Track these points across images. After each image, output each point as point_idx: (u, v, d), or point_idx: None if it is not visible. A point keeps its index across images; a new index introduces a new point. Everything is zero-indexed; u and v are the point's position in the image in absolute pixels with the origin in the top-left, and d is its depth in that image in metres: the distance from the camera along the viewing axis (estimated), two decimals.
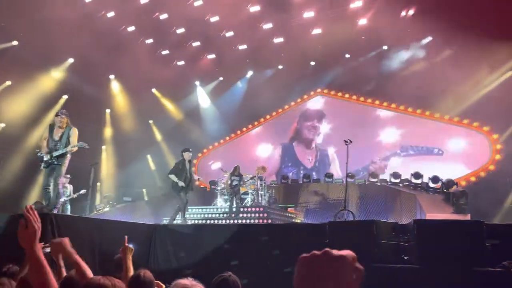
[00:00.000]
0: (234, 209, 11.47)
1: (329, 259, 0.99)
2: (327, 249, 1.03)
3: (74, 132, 7.13)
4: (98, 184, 17.58)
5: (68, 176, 11.64)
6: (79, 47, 14.90)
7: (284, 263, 6.00)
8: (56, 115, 7.25)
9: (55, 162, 6.95)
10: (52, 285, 1.95)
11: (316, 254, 1.00)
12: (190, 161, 10.11)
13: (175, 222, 9.70)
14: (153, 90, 19.39)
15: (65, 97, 16.86)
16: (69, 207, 11.46)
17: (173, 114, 19.62)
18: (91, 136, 13.40)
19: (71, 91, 16.57)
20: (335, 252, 1.00)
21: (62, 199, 11.22)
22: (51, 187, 6.92)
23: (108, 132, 18.74)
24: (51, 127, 7.22)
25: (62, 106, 16.45)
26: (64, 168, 7.07)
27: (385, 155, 16.74)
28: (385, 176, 15.02)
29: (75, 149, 7.07)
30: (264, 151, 19.30)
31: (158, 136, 19.55)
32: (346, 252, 1.01)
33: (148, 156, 19.27)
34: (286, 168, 18.68)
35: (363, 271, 1.01)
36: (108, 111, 18.89)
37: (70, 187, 11.73)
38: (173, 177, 9.82)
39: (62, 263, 3.44)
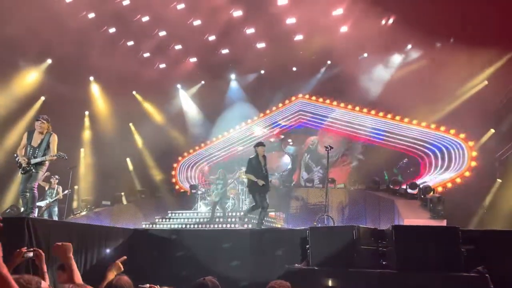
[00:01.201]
0: (220, 213, 11.41)
1: None
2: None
3: (54, 139, 7.00)
4: (76, 187, 17.27)
5: (57, 177, 11.36)
6: (58, 48, 14.65)
7: (265, 268, 6.02)
8: (37, 119, 7.07)
9: (33, 170, 6.84)
10: None
11: None
12: (264, 156, 9.03)
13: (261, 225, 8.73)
14: (134, 92, 19.21)
15: (42, 98, 16.55)
16: (56, 209, 11.12)
17: (153, 117, 19.45)
18: (69, 138, 13.19)
19: (49, 92, 16.27)
20: None
21: (45, 202, 10.94)
22: (28, 193, 6.79)
23: (87, 134, 18.45)
24: (30, 134, 7.07)
25: (40, 107, 16.14)
26: (41, 173, 6.94)
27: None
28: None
29: (54, 158, 6.94)
30: (243, 155, 19.28)
31: (138, 139, 19.34)
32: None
33: (128, 160, 19.04)
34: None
35: None
36: (87, 113, 18.61)
37: (58, 188, 11.36)
38: (251, 176, 8.72)
39: (45, 268, 3.39)
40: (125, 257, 3.63)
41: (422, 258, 4.98)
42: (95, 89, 18.38)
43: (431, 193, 13.19)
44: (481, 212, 12.90)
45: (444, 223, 10.49)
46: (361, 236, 5.28)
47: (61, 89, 15.74)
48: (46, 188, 11.26)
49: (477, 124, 14.39)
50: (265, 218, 12.92)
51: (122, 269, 3.49)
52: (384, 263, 5.41)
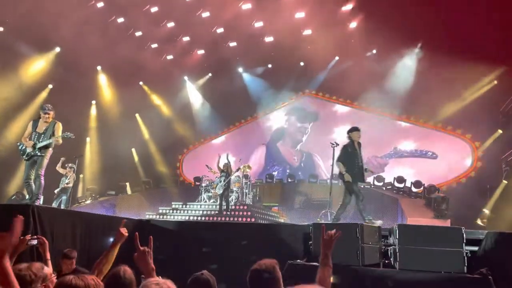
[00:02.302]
0: (224, 207, 11.43)
1: None
2: None
3: (59, 126, 7.01)
4: (81, 176, 17.37)
5: (71, 165, 11.31)
6: (67, 37, 14.66)
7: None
8: (44, 112, 7.06)
9: (38, 153, 6.83)
10: None
11: None
12: (359, 143, 7.89)
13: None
14: (141, 83, 19.21)
15: (50, 86, 16.59)
16: (65, 197, 11.05)
17: (159, 108, 19.48)
18: (75, 127, 13.22)
19: (57, 80, 16.31)
20: None
21: (58, 189, 10.95)
22: (32, 180, 6.79)
23: (93, 123, 18.51)
24: (35, 122, 7.08)
25: (47, 95, 16.19)
26: (46, 160, 6.92)
27: (383, 154, 16.98)
28: (369, 179, 15.17)
29: (60, 141, 6.95)
30: (249, 149, 19.30)
31: (144, 129, 19.38)
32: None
33: (133, 150, 19.09)
34: (271, 168, 18.72)
35: None
36: (94, 102, 18.66)
37: (70, 177, 11.25)
38: (340, 165, 7.61)
39: (48, 255, 3.42)
40: (124, 220, 3.43)
41: (425, 258, 4.98)
42: (103, 79, 18.41)
43: (436, 192, 13.16)
44: (486, 213, 12.84)
45: (448, 223, 10.47)
46: (365, 234, 5.27)
47: (68, 78, 15.79)
48: (63, 174, 11.22)
49: (485, 124, 14.29)
50: (268, 213, 12.99)
51: (126, 234, 3.28)
52: (386, 261, 5.41)
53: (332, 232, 2.90)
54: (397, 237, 5.17)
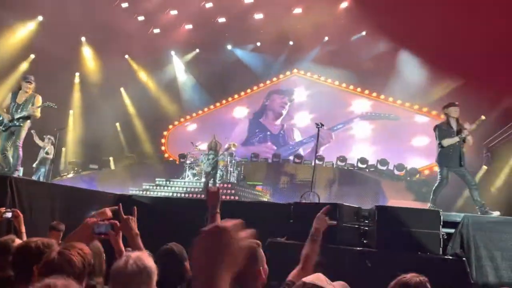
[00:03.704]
0: (211, 184, 11.43)
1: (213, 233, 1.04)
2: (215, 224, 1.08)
3: (38, 99, 6.84)
4: (63, 149, 17.10)
5: (49, 136, 11.08)
6: (50, 5, 14.18)
7: None
8: (26, 81, 6.87)
9: (16, 124, 6.66)
10: None
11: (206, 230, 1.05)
12: (457, 119, 6.90)
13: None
14: (126, 56, 18.80)
15: (32, 56, 16.13)
16: (43, 170, 10.85)
17: (145, 82, 19.16)
18: (58, 99, 12.91)
19: (39, 50, 15.84)
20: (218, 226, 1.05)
21: (37, 162, 10.75)
22: (9, 152, 6.65)
23: (76, 96, 18.12)
24: (14, 94, 6.88)
25: (29, 66, 15.75)
26: (24, 132, 6.76)
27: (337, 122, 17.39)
28: (352, 160, 15.30)
29: (37, 114, 6.77)
30: (234, 126, 19.25)
31: (129, 103, 19.05)
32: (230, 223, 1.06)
33: (117, 124, 18.81)
34: (254, 135, 18.79)
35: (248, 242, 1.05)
36: (77, 74, 18.23)
37: (49, 149, 10.99)
38: (447, 141, 6.64)
39: (23, 229, 3.35)
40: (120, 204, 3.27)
41: (402, 238, 5.08)
42: (87, 51, 17.96)
43: (417, 175, 13.36)
44: (464, 196, 13.07)
45: (427, 205, 10.65)
46: (345, 214, 5.34)
47: (51, 48, 15.32)
48: (41, 146, 10.99)
49: (469, 109, 14.39)
50: (252, 191, 13.03)
51: (109, 215, 3.13)
52: (365, 241, 5.50)
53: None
54: (376, 218, 5.25)
